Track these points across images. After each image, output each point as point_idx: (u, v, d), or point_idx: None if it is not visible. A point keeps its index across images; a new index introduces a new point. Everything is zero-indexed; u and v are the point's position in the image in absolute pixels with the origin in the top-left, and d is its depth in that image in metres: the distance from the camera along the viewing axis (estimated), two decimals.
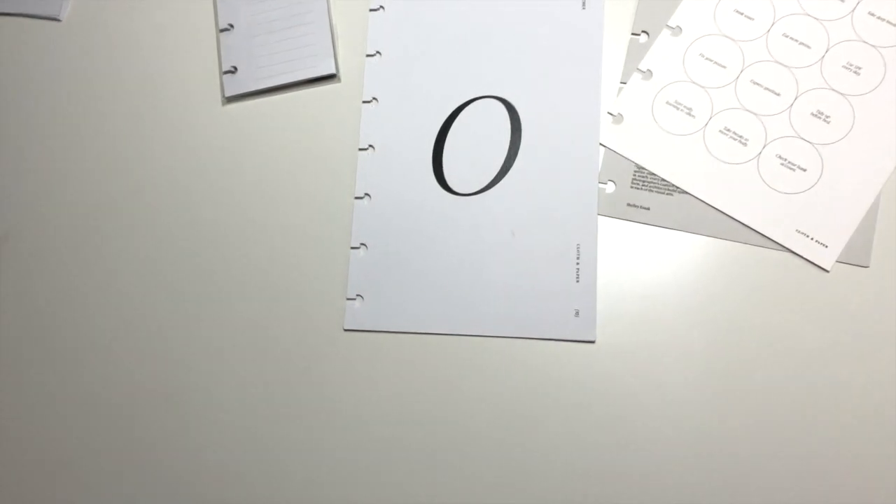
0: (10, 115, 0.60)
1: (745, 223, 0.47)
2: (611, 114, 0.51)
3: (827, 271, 0.46)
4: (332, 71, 0.55)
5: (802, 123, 0.48)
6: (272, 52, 0.56)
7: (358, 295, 0.51)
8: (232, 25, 0.57)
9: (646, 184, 0.49)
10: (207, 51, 0.58)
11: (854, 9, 0.49)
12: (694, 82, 0.50)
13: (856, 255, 0.46)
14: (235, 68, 0.56)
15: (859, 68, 0.48)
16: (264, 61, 0.56)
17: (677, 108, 0.50)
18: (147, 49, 0.59)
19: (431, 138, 0.53)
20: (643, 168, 0.49)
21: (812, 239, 0.47)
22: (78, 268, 0.56)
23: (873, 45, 0.48)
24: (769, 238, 0.47)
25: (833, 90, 0.48)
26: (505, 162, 0.51)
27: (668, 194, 0.49)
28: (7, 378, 0.55)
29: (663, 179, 0.49)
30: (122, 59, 0.59)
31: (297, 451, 0.50)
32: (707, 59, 0.50)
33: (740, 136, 0.49)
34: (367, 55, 0.55)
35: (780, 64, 0.49)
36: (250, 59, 0.56)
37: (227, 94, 0.56)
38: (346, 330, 0.51)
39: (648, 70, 0.51)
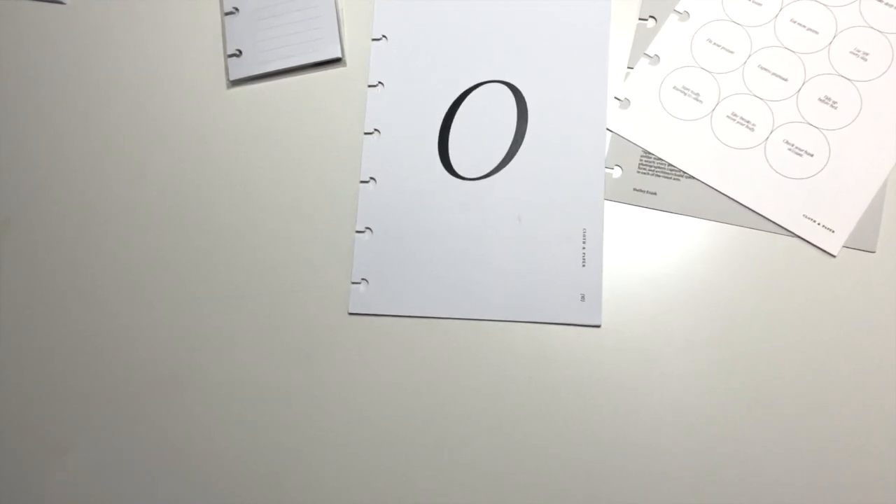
0: (12, 98, 0.60)
1: (752, 208, 0.47)
2: (618, 98, 0.50)
3: (834, 256, 0.46)
4: (338, 55, 0.54)
5: (810, 109, 0.48)
6: (277, 36, 0.55)
7: (363, 279, 0.51)
8: (237, 9, 0.56)
9: (652, 169, 0.49)
10: (212, 34, 0.57)
11: None
12: (701, 67, 0.50)
13: (862, 241, 0.46)
14: (240, 52, 0.56)
15: (867, 54, 0.48)
16: (269, 45, 0.55)
17: (685, 93, 0.50)
18: (152, 32, 0.59)
19: (437, 123, 0.52)
20: (650, 153, 0.49)
21: (819, 224, 0.47)
22: (81, 251, 0.56)
23: (881, 31, 0.48)
24: (776, 223, 0.47)
25: (840, 76, 0.48)
26: (511, 146, 0.51)
27: (674, 179, 0.49)
28: (9, 365, 0.55)
29: (670, 164, 0.49)
30: (127, 42, 0.59)
31: (300, 434, 0.50)
32: (715, 44, 0.50)
33: (747, 122, 0.49)
34: (373, 39, 0.55)
35: (788, 49, 0.49)
36: (255, 43, 0.56)
37: (232, 77, 0.56)
38: (350, 314, 0.51)
39: (656, 55, 0.51)
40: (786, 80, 0.49)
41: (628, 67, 0.51)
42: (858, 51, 0.48)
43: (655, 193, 0.49)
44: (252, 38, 0.56)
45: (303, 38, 0.55)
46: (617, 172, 0.50)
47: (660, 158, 0.49)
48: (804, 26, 0.49)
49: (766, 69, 0.49)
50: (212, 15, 0.58)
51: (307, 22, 0.55)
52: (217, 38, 0.57)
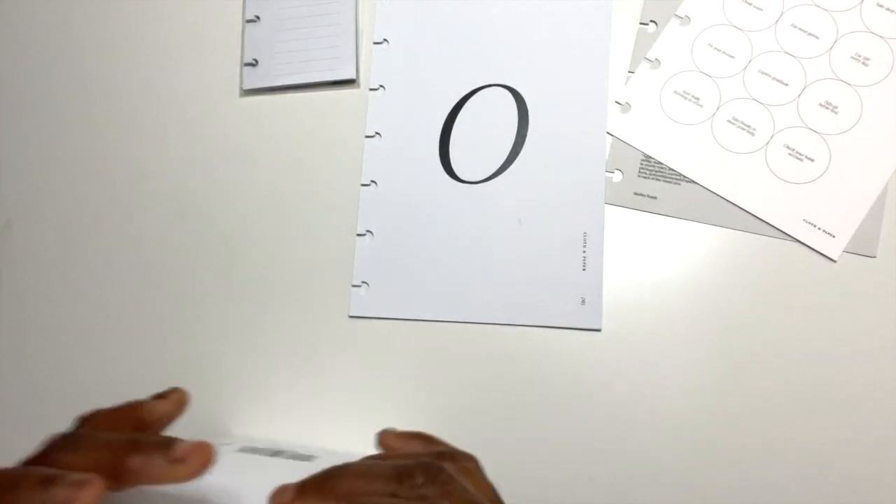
0: (17, 99, 0.60)
1: (753, 213, 0.47)
2: (618, 103, 0.51)
3: (834, 261, 0.46)
4: (352, 76, 0.54)
5: (810, 113, 0.48)
6: (295, 50, 0.55)
7: (363, 282, 0.51)
8: (258, 17, 0.56)
9: (653, 173, 0.49)
10: (233, 40, 0.57)
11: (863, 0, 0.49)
12: (702, 72, 0.50)
13: (863, 246, 0.46)
14: (256, 61, 0.55)
15: (867, 59, 0.48)
16: (286, 58, 0.55)
17: (685, 98, 0.50)
18: (171, 32, 0.59)
19: (438, 126, 0.53)
20: (650, 157, 0.49)
21: (819, 229, 0.47)
22: (83, 254, 0.56)
23: (881, 36, 0.48)
24: (776, 228, 0.47)
25: (841, 81, 0.48)
26: (512, 150, 0.51)
27: (675, 183, 0.49)
28: (9, 366, 0.55)
29: (671, 168, 0.49)
30: (144, 41, 0.59)
31: (300, 438, 0.50)
32: (715, 48, 0.50)
33: (748, 126, 0.49)
34: (375, 42, 0.55)
35: (789, 54, 0.49)
36: (272, 55, 0.55)
37: (246, 86, 0.55)
38: (351, 317, 0.51)
39: (656, 59, 0.51)
40: (786, 84, 0.49)
41: (629, 72, 0.51)
42: (859, 56, 0.48)
43: (656, 197, 0.49)
44: (270, 49, 0.55)
45: (320, 55, 0.54)
46: (617, 176, 0.50)
47: (660, 162, 0.49)
48: (805, 31, 0.49)
49: (766, 74, 0.49)
50: (235, 20, 0.57)
51: (326, 39, 0.54)
52: (237, 44, 0.57)
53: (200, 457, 0.27)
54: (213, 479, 0.30)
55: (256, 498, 0.31)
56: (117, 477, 0.26)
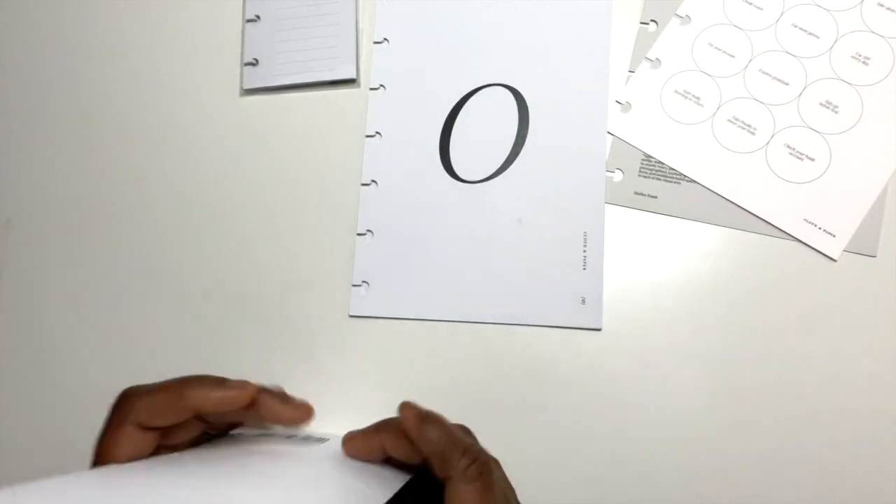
0: (17, 98, 0.60)
1: (753, 212, 0.47)
2: (619, 102, 0.51)
3: (834, 261, 0.46)
4: (352, 76, 0.54)
5: (811, 113, 0.48)
6: (295, 50, 0.55)
7: (364, 281, 0.51)
8: (258, 17, 0.56)
9: (653, 172, 0.49)
10: (233, 39, 0.57)
11: None
12: (702, 71, 0.50)
13: (863, 245, 0.46)
14: (257, 60, 0.55)
15: (868, 58, 0.48)
16: (286, 57, 0.55)
17: (686, 97, 0.50)
18: (171, 31, 0.59)
19: (439, 125, 0.53)
20: (651, 156, 0.49)
21: (820, 228, 0.47)
22: (83, 253, 0.56)
23: (882, 36, 0.48)
24: (777, 227, 0.47)
25: (842, 80, 0.48)
26: (512, 150, 0.51)
27: (675, 183, 0.49)
28: (9, 366, 0.55)
29: (671, 168, 0.49)
30: (143, 40, 0.59)
31: None
32: (716, 48, 0.50)
33: (748, 126, 0.49)
34: (375, 42, 0.55)
35: (789, 53, 0.49)
36: (272, 55, 0.55)
37: (246, 86, 0.55)
38: (351, 316, 0.51)
39: (657, 59, 0.51)
40: (787, 84, 0.49)
41: (629, 71, 0.51)
42: (860, 55, 0.48)
43: (656, 197, 0.49)
44: (270, 49, 0.55)
45: (320, 55, 0.54)
46: (618, 176, 0.50)
47: (661, 162, 0.49)
48: (805, 30, 0.49)
49: (767, 73, 0.49)
50: (235, 20, 0.57)
51: (326, 39, 0.54)
52: (237, 44, 0.57)
53: (307, 410, 0.35)
54: (243, 464, 0.32)
55: (284, 479, 0.33)
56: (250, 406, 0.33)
